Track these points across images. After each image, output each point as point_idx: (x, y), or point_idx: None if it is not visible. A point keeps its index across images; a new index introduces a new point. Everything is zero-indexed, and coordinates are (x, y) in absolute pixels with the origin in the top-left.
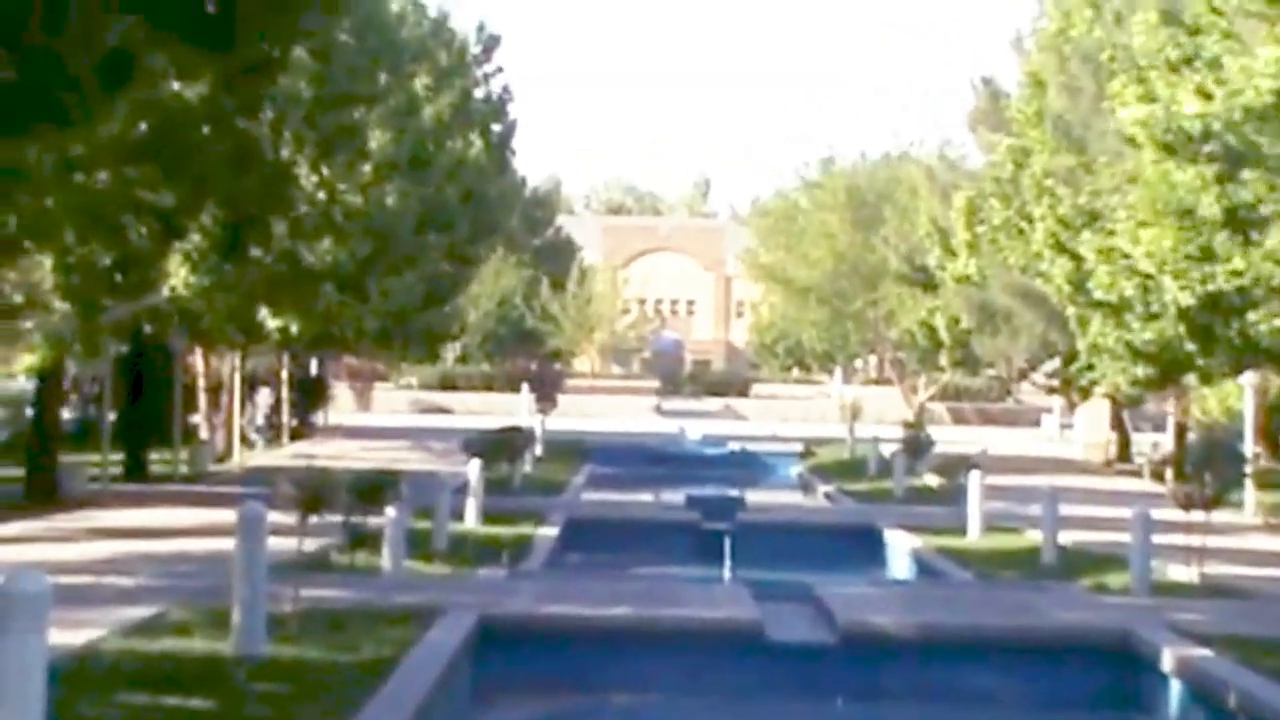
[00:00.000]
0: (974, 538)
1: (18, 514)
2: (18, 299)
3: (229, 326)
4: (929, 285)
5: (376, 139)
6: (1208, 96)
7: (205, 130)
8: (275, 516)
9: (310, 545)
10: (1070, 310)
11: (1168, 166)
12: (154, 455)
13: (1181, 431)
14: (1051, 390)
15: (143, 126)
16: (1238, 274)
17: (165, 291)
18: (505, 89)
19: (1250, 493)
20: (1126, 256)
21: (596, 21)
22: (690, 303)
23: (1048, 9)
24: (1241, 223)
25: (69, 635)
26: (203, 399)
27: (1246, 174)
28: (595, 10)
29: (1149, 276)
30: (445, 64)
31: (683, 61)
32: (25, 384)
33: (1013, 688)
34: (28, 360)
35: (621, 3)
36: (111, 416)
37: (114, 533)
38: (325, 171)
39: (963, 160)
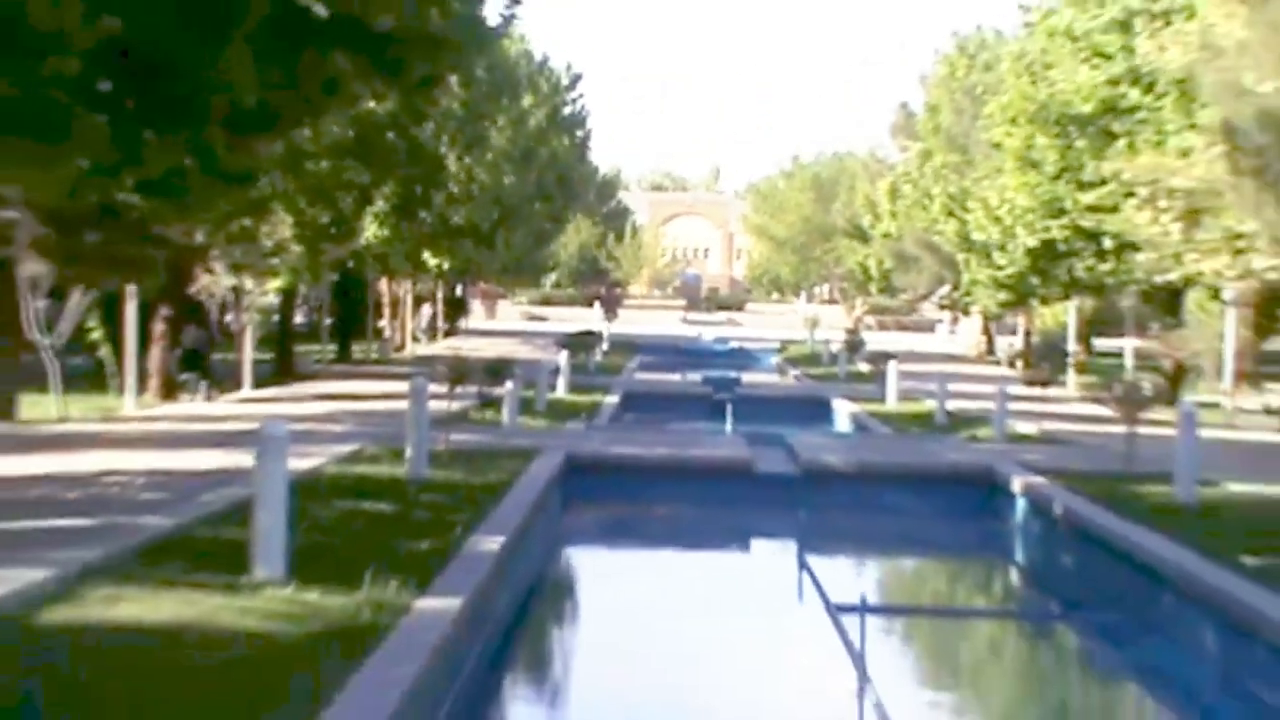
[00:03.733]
0: (891, 405)
1: (269, 384)
2: (268, 244)
3: (404, 263)
4: (864, 239)
5: (499, 140)
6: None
7: (390, 135)
8: (434, 387)
9: (456, 406)
10: (958, 255)
11: (1029, 131)
12: (355, 346)
13: (1028, 336)
14: (942, 308)
15: (350, 132)
16: (1073, 229)
17: (362, 240)
18: (583, 108)
19: (1072, 376)
20: (993, 212)
21: (637, 55)
22: (705, 250)
23: (941, 60)
24: (1073, 176)
25: (301, 463)
26: (387, 311)
27: (1079, 143)
28: (637, 47)
29: (1009, 227)
30: (545, 90)
31: (705, 87)
32: (274, 299)
33: (916, 503)
34: (276, 283)
35: (658, 44)
36: (328, 321)
37: (329, 396)
38: (466, 161)
39: (887, 157)
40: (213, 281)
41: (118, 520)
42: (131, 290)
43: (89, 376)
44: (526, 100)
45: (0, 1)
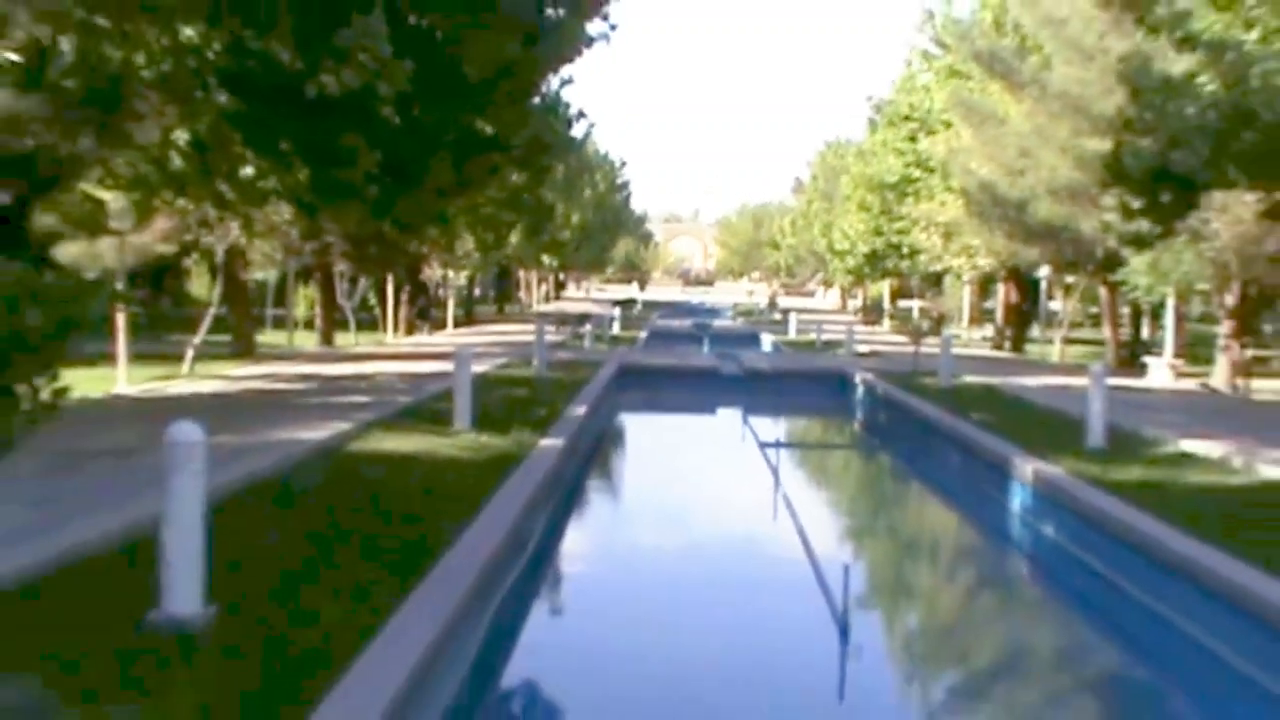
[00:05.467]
0: (792, 336)
1: (461, 326)
2: (460, 253)
3: (532, 261)
4: (777, 248)
5: (587, 195)
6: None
7: (525, 195)
8: (548, 328)
9: (558, 337)
10: (827, 256)
11: (863, 191)
12: (507, 307)
13: (864, 299)
14: (820, 283)
15: (503, 194)
16: (887, 243)
17: (509, 249)
18: (628, 179)
19: (886, 321)
20: (845, 234)
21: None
22: (693, 253)
23: (818, 152)
24: (887, 215)
25: (478, 367)
26: (523, 287)
27: (890, 196)
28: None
29: (854, 242)
30: (606, 169)
31: (690, 157)
32: (464, 281)
33: (808, 388)
34: (465, 273)
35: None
36: (491, 293)
37: (492, 333)
38: (565, 207)
39: (789, 205)
40: (432, 272)
41: (384, 398)
42: (389, 277)
43: (369, 323)
44: (598, 175)
45: (317, 141)
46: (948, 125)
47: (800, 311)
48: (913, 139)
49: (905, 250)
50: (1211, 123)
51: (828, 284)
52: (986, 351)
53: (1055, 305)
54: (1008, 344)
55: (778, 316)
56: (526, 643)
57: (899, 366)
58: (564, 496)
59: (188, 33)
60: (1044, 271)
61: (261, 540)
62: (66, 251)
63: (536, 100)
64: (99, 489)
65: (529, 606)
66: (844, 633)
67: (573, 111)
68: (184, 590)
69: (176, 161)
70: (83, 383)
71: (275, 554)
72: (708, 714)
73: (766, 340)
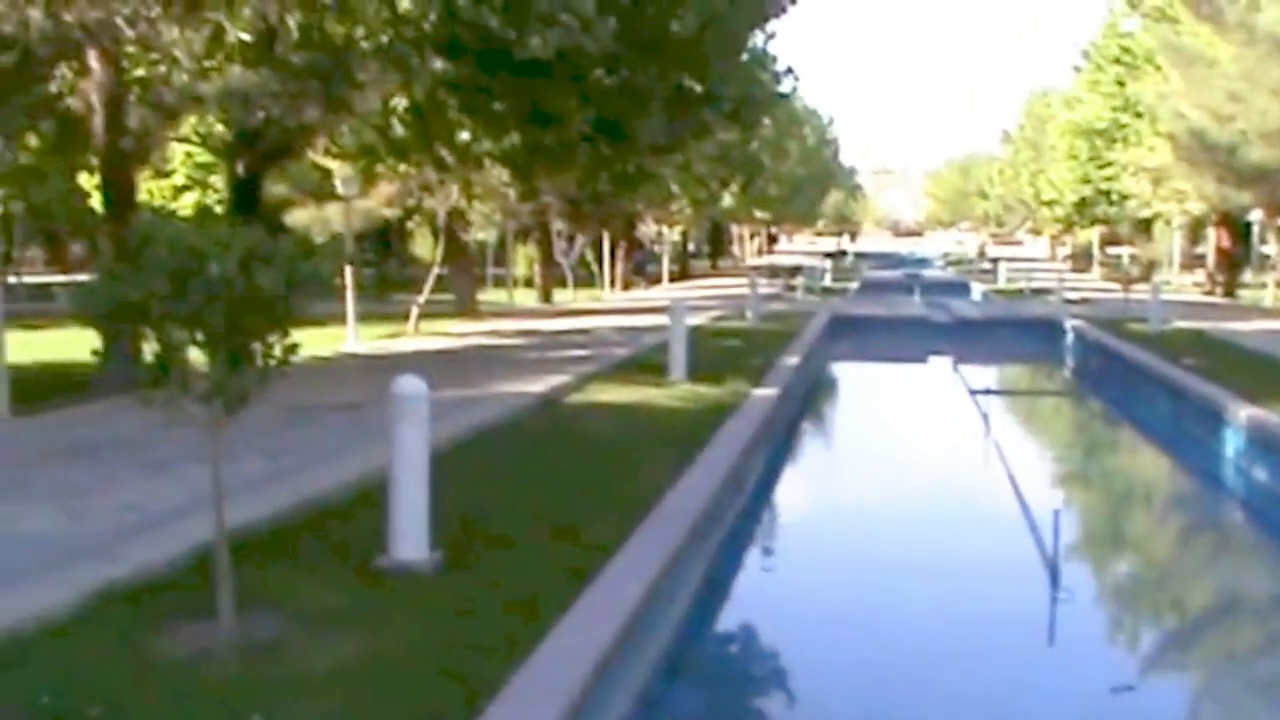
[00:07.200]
0: (1001, 285)
1: (675, 280)
2: (673, 209)
3: (744, 215)
4: (986, 197)
5: (794, 150)
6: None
7: (735, 150)
8: (761, 279)
9: (771, 289)
10: (1034, 205)
11: (1071, 137)
12: (719, 261)
13: (1073, 246)
14: (1028, 232)
15: (713, 150)
16: (1095, 190)
17: (723, 205)
18: (837, 135)
19: (1096, 267)
20: (1053, 182)
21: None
22: (901, 206)
23: (1027, 100)
24: (1095, 162)
25: (693, 320)
26: (735, 241)
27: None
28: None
29: (1060, 191)
30: (814, 124)
31: (903, 115)
32: (677, 236)
33: (1017, 334)
34: (678, 228)
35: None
36: (705, 247)
37: (705, 287)
38: (773, 162)
39: (997, 155)
40: (647, 229)
41: (601, 351)
42: (605, 234)
43: (586, 279)
44: (806, 129)
45: (529, 103)
46: (1157, 68)
47: (1009, 260)
48: (1120, 83)
49: (1114, 196)
50: None
51: (1036, 232)
52: (1198, 297)
53: (1268, 249)
54: (1219, 289)
55: (987, 265)
56: (743, 584)
57: (1109, 313)
58: (778, 443)
59: (404, 4)
60: (1256, 215)
61: (485, 487)
62: (296, 217)
63: (743, 56)
64: (330, 441)
65: (746, 548)
66: (1054, 577)
67: (780, 67)
68: (410, 536)
69: (397, 129)
70: (314, 341)
71: (499, 500)
72: (921, 656)
73: (976, 289)
